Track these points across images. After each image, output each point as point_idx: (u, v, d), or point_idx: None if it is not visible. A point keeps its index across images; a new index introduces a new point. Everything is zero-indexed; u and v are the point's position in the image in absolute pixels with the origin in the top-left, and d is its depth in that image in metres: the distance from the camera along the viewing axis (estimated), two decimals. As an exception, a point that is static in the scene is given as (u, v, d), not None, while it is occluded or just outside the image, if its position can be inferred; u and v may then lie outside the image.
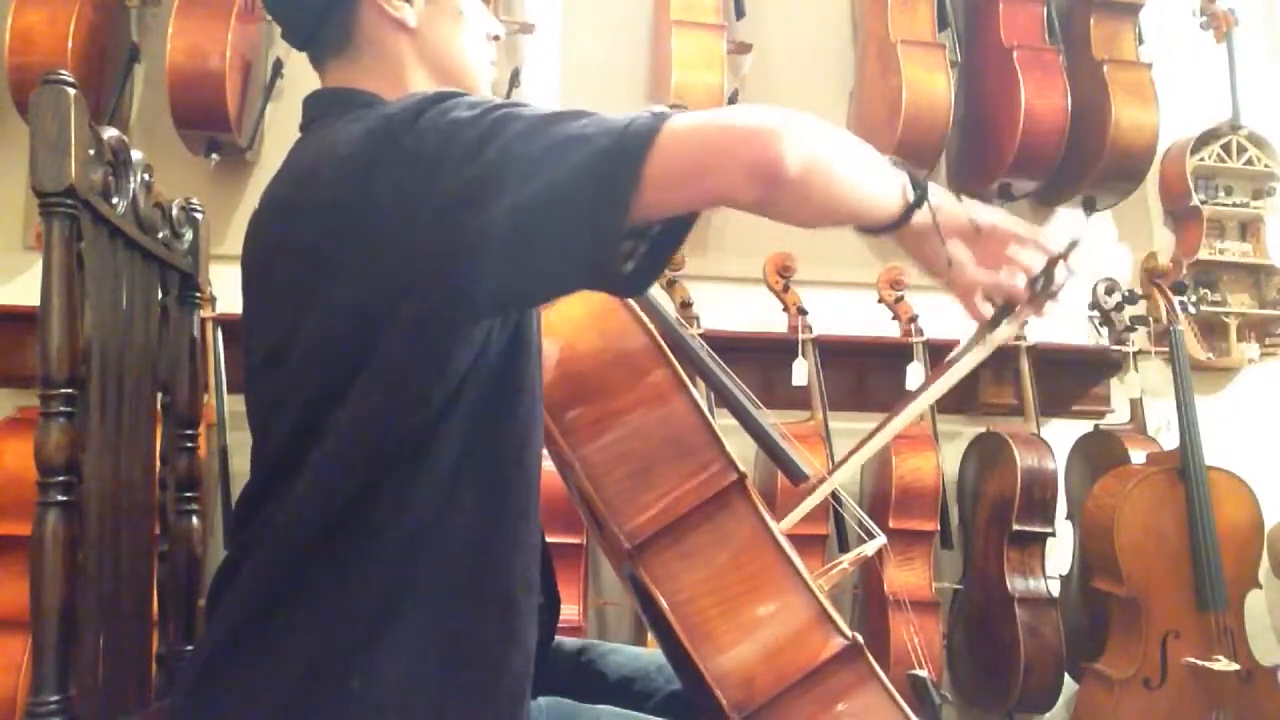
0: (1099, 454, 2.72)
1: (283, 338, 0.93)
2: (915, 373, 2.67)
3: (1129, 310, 2.79)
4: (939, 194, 0.95)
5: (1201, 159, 3.06)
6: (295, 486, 0.92)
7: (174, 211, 1.28)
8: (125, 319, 1.13)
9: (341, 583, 0.91)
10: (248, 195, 2.70)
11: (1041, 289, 0.99)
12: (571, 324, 1.09)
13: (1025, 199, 2.98)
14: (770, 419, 1.22)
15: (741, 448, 1.10)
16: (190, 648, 1.24)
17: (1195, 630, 2.41)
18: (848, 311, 2.80)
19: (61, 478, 0.96)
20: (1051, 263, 0.98)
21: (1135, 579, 2.42)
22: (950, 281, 0.98)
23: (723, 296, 2.72)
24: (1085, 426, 2.90)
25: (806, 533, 2.38)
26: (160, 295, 1.25)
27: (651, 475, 1.03)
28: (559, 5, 2.96)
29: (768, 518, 1.04)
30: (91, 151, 1.01)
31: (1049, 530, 2.64)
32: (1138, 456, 2.63)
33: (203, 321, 1.43)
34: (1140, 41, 2.95)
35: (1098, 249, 3.10)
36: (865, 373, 2.88)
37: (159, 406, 1.27)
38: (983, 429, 2.82)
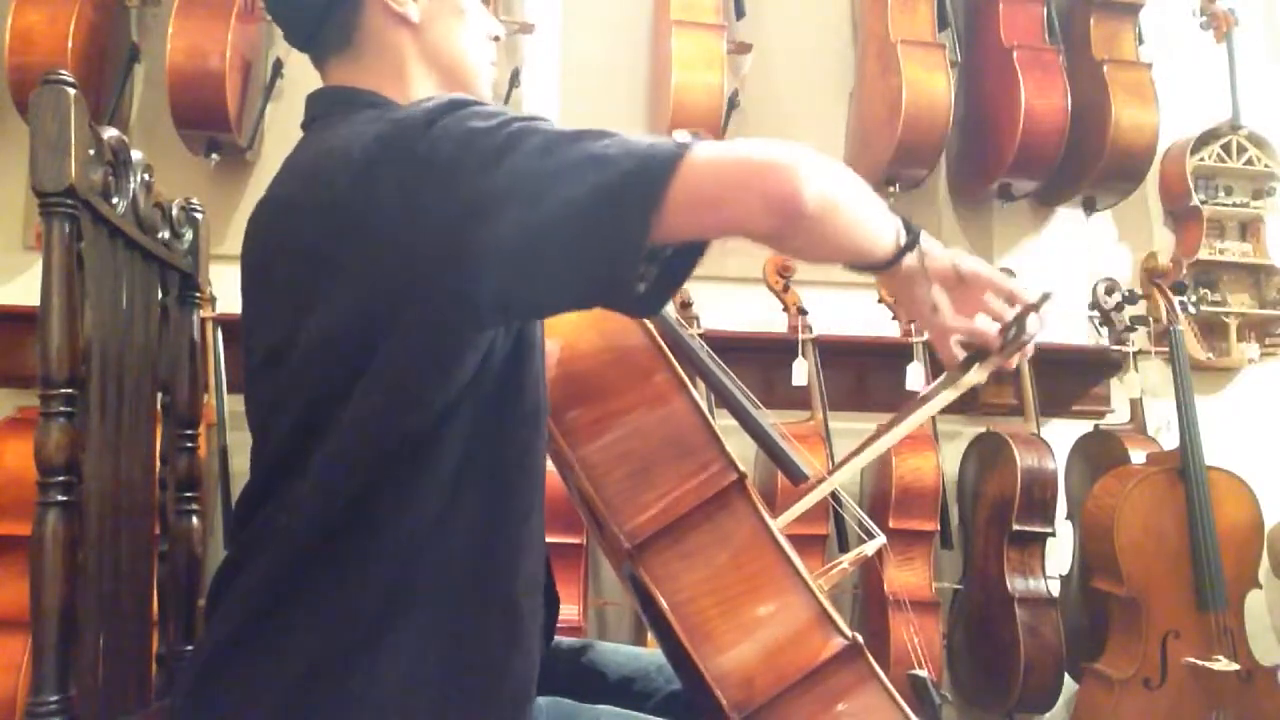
0: (1099, 454, 2.72)
1: (283, 338, 0.93)
2: (915, 372, 2.67)
3: (1129, 310, 2.79)
4: (927, 240, 0.99)
5: (1201, 159, 3.06)
6: (296, 487, 0.92)
7: (174, 211, 1.28)
8: (125, 319, 1.13)
9: (342, 583, 0.91)
10: (248, 195, 2.70)
11: (1013, 338, 1.04)
12: (571, 324, 1.08)
13: (1025, 199, 2.99)
14: (770, 419, 1.22)
15: (741, 448, 1.10)
16: (190, 648, 1.24)
17: (1195, 630, 2.41)
18: (848, 311, 2.79)
19: (61, 478, 0.96)
20: (1024, 312, 1.03)
21: (1135, 579, 2.42)
22: (929, 325, 1.04)
23: (723, 296, 2.72)
24: (1085, 426, 2.90)
25: (806, 533, 2.38)
26: (160, 295, 1.25)
27: (651, 475, 1.03)
28: (559, 5, 2.96)
29: (768, 518, 1.04)
30: (91, 151, 1.01)
31: (1049, 530, 2.64)
32: (1138, 456, 2.63)
33: (203, 321, 1.43)
34: (1140, 41, 2.95)
35: (1098, 249, 3.10)
36: (865, 373, 2.88)
37: (159, 406, 1.27)
38: (983, 429, 2.82)
